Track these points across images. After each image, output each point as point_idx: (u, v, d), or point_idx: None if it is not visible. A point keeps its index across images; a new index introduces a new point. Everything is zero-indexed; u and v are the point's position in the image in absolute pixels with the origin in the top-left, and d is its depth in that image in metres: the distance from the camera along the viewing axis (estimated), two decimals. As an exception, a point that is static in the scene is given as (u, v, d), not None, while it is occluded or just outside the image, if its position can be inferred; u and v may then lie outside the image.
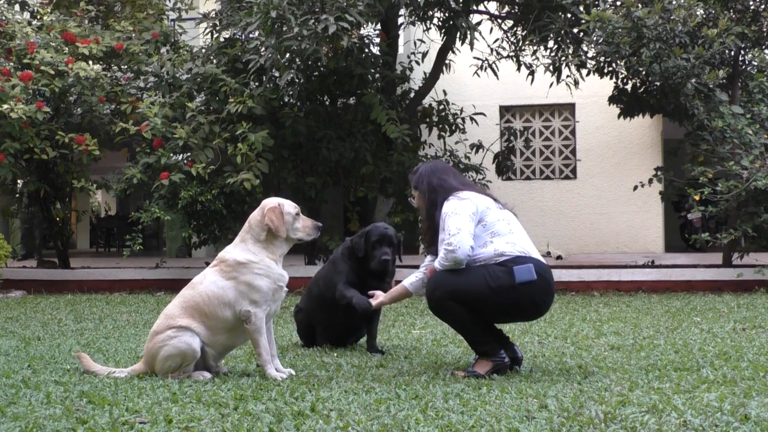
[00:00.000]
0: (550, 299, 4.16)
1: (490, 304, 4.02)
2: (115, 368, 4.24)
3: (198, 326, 4.06)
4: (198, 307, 4.09)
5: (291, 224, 4.21)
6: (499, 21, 10.58)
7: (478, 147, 10.94)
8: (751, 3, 9.37)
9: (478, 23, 9.94)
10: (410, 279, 4.46)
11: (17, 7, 11.33)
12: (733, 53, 9.45)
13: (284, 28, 8.29)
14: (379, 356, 4.74)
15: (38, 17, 11.35)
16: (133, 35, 10.59)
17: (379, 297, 4.60)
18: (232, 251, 4.17)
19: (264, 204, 4.24)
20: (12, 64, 9.83)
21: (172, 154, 9.28)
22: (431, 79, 10.41)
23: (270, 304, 4.15)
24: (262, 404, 3.41)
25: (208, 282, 4.13)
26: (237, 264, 4.11)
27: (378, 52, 10.26)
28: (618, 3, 8.94)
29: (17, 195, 11.89)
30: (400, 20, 10.47)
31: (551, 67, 9.61)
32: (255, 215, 4.22)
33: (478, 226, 4.06)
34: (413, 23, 10.11)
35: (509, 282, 3.96)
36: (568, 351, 4.84)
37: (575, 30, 9.19)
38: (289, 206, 4.24)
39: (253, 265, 4.10)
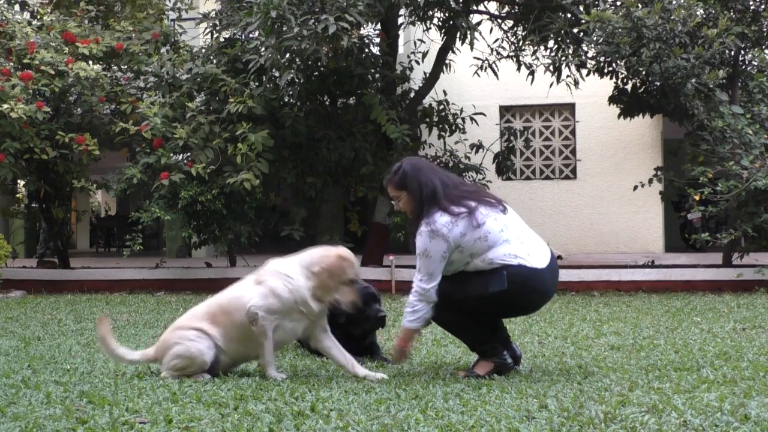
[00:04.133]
0: (535, 300, 4.17)
1: (473, 308, 4.07)
2: (125, 349, 4.25)
3: (216, 331, 4.03)
4: (221, 308, 4.06)
5: (331, 281, 4.02)
6: (499, 21, 10.58)
7: (478, 147, 10.94)
8: (751, 3, 9.37)
9: (478, 23, 9.94)
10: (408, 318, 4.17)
11: (17, 7, 11.33)
12: (733, 53, 9.45)
13: (284, 28, 8.29)
14: (386, 363, 4.56)
15: (38, 17, 11.34)
16: (133, 35, 10.59)
17: (401, 353, 4.25)
18: (279, 262, 4.12)
19: (339, 249, 4.13)
20: (12, 64, 9.82)
21: (172, 154, 9.28)
22: (431, 79, 10.40)
23: (284, 322, 4.01)
24: (262, 404, 3.41)
25: (238, 284, 4.13)
26: (274, 272, 4.07)
27: (378, 52, 10.26)
28: (618, 3, 8.94)
29: (17, 195, 11.89)
30: (400, 20, 10.47)
31: (551, 67, 9.60)
32: (320, 251, 4.09)
33: (455, 252, 4.00)
34: (413, 23, 10.11)
35: (483, 290, 3.99)
36: (568, 351, 4.84)
37: (575, 30, 9.18)
38: (351, 271, 4.07)
39: (287, 279, 4.03)
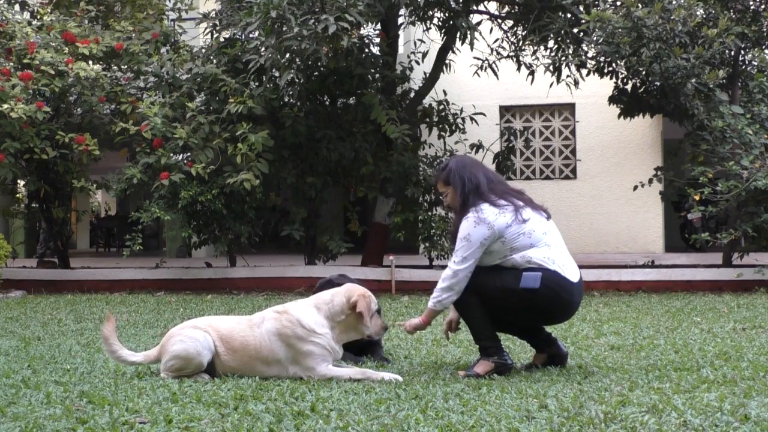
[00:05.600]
0: (561, 311, 4.19)
1: (496, 303, 4.11)
2: (128, 351, 4.23)
3: (223, 350, 4.04)
4: (242, 344, 4.02)
5: (369, 319, 4.09)
6: (499, 21, 10.58)
7: (478, 147, 10.93)
8: (751, 3, 9.37)
9: (478, 23, 9.94)
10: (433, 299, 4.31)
11: (17, 7, 11.33)
12: (733, 53, 9.45)
13: (284, 28, 8.29)
14: (385, 363, 4.54)
15: (38, 17, 11.35)
16: (133, 35, 10.59)
17: (415, 329, 4.40)
18: (302, 311, 4.06)
19: (354, 288, 4.14)
20: (12, 64, 9.83)
21: (172, 154, 9.28)
22: (431, 79, 10.40)
23: (329, 359, 4.03)
24: (262, 404, 3.41)
25: (262, 326, 4.05)
26: (297, 323, 4.01)
27: (378, 52, 10.26)
28: (618, 3, 8.93)
29: (17, 195, 11.90)
30: (400, 20, 10.47)
31: (551, 67, 9.60)
32: (339, 300, 4.08)
33: (496, 243, 4.08)
34: (413, 23, 10.11)
35: (513, 285, 4.04)
36: (568, 351, 4.84)
37: (575, 30, 9.18)
38: (374, 302, 4.15)
39: (314, 335, 4.00)
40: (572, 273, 4.13)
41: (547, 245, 4.13)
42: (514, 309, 4.13)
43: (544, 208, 4.33)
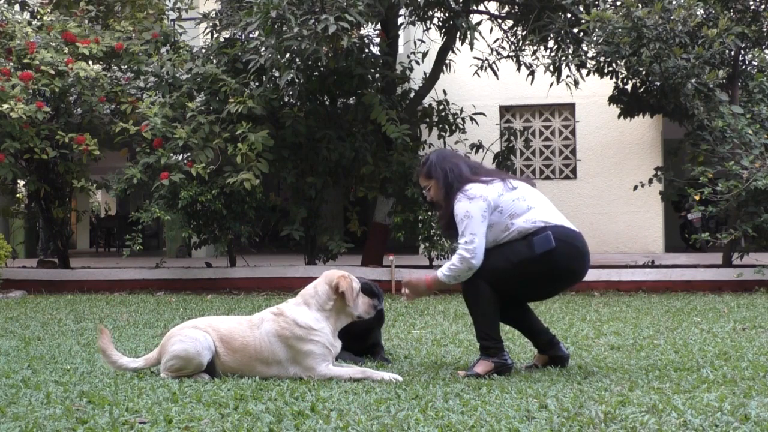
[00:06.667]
0: (581, 263, 4.19)
1: (518, 280, 4.11)
2: (128, 358, 4.24)
3: (223, 350, 4.03)
4: (242, 344, 4.02)
5: (354, 299, 4.10)
6: (499, 21, 10.58)
7: (478, 147, 10.93)
8: (751, 3, 9.37)
9: (478, 23, 9.93)
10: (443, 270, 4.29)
11: (17, 7, 11.33)
12: (733, 53, 9.45)
13: (284, 28, 8.29)
14: (385, 363, 4.53)
15: (38, 17, 11.35)
16: (133, 35, 10.59)
17: (416, 291, 4.36)
18: (295, 310, 4.05)
19: (332, 273, 4.15)
20: (12, 64, 9.83)
21: (172, 154, 9.28)
22: (431, 79, 10.40)
23: (330, 358, 4.03)
24: (262, 404, 3.41)
25: (261, 327, 4.04)
26: (293, 323, 4.00)
27: (378, 52, 10.26)
28: (618, 3, 8.94)
29: (17, 195, 11.91)
30: (400, 20, 10.46)
31: (551, 67, 9.60)
32: (323, 288, 4.09)
33: (494, 213, 4.10)
34: (413, 23, 10.11)
35: (530, 254, 4.04)
36: (569, 352, 4.83)
37: (575, 30, 9.18)
38: (356, 281, 4.16)
39: (311, 332, 4.00)
40: (573, 226, 4.20)
41: (543, 206, 4.19)
42: (536, 278, 4.11)
43: (529, 181, 4.38)
